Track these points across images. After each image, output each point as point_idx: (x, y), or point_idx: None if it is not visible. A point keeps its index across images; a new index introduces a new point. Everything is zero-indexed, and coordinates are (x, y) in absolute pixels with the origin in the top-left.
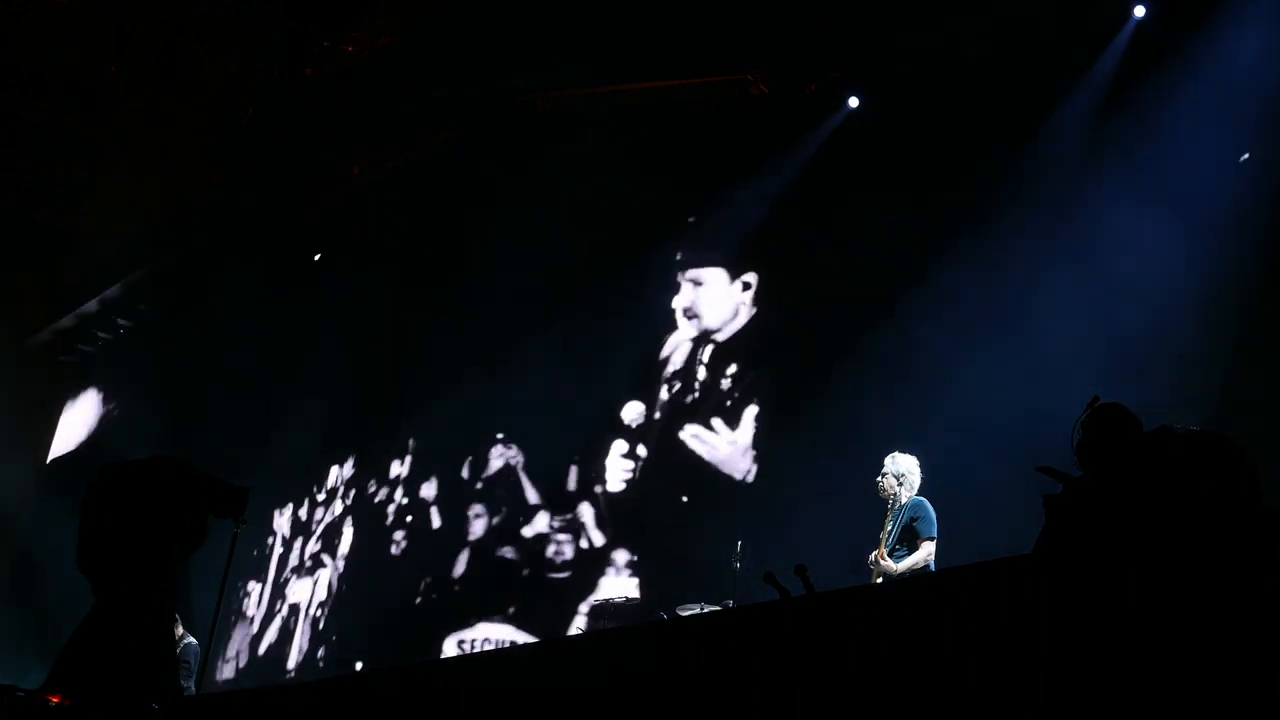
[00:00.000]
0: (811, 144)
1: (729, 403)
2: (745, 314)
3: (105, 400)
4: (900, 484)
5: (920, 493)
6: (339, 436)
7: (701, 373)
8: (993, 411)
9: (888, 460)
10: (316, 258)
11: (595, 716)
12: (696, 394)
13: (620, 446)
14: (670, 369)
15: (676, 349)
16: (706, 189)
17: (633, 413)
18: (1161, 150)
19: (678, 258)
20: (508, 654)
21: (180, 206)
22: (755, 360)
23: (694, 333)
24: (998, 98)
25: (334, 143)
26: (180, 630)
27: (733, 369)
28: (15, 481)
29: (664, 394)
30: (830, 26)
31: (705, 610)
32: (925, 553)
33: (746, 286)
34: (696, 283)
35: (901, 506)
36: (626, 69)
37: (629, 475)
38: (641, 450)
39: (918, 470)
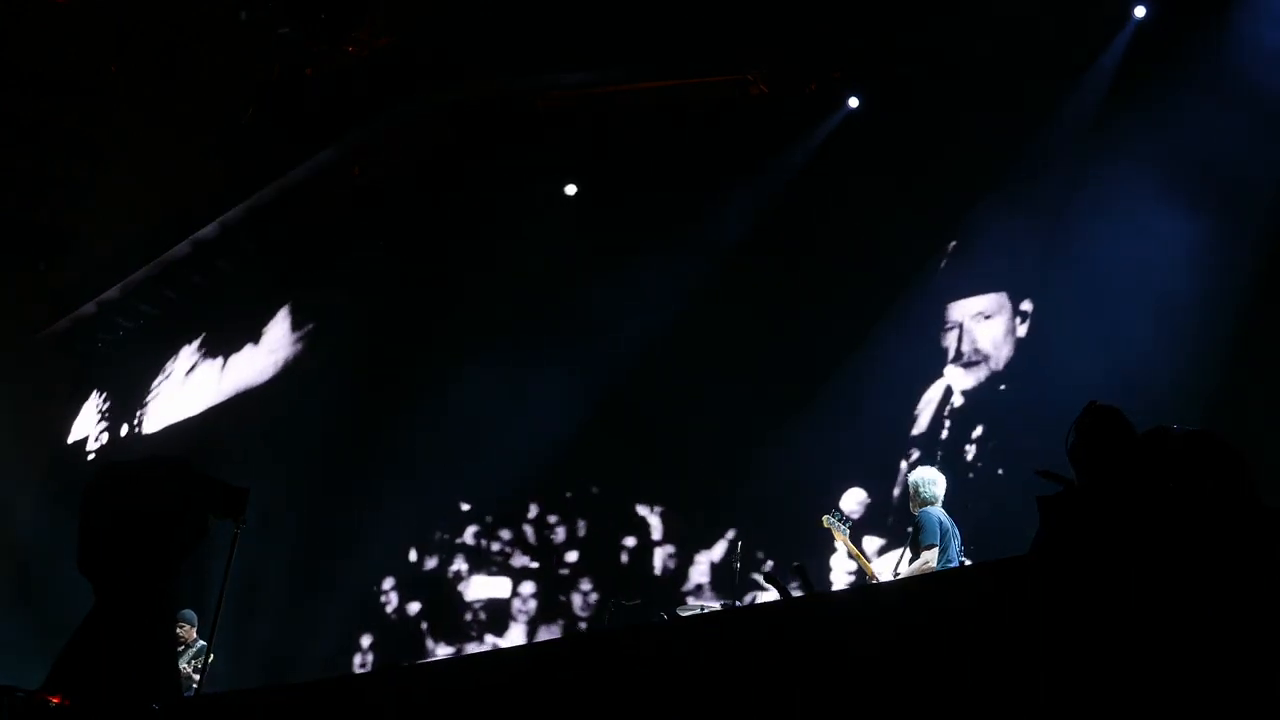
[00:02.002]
0: (811, 144)
1: (971, 475)
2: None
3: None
4: (917, 495)
5: (946, 503)
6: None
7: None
8: (995, 412)
9: (908, 476)
10: (569, 189)
11: (595, 717)
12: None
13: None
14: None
15: (926, 406)
16: (706, 189)
17: (853, 502)
18: (1161, 150)
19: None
20: (508, 654)
21: (180, 206)
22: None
23: (969, 382)
24: (998, 98)
25: (334, 143)
26: (194, 633)
27: (979, 430)
28: (15, 481)
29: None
30: (830, 26)
31: (705, 610)
32: (920, 562)
33: (1024, 317)
34: (984, 315)
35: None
36: (626, 69)
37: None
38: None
39: (930, 482)
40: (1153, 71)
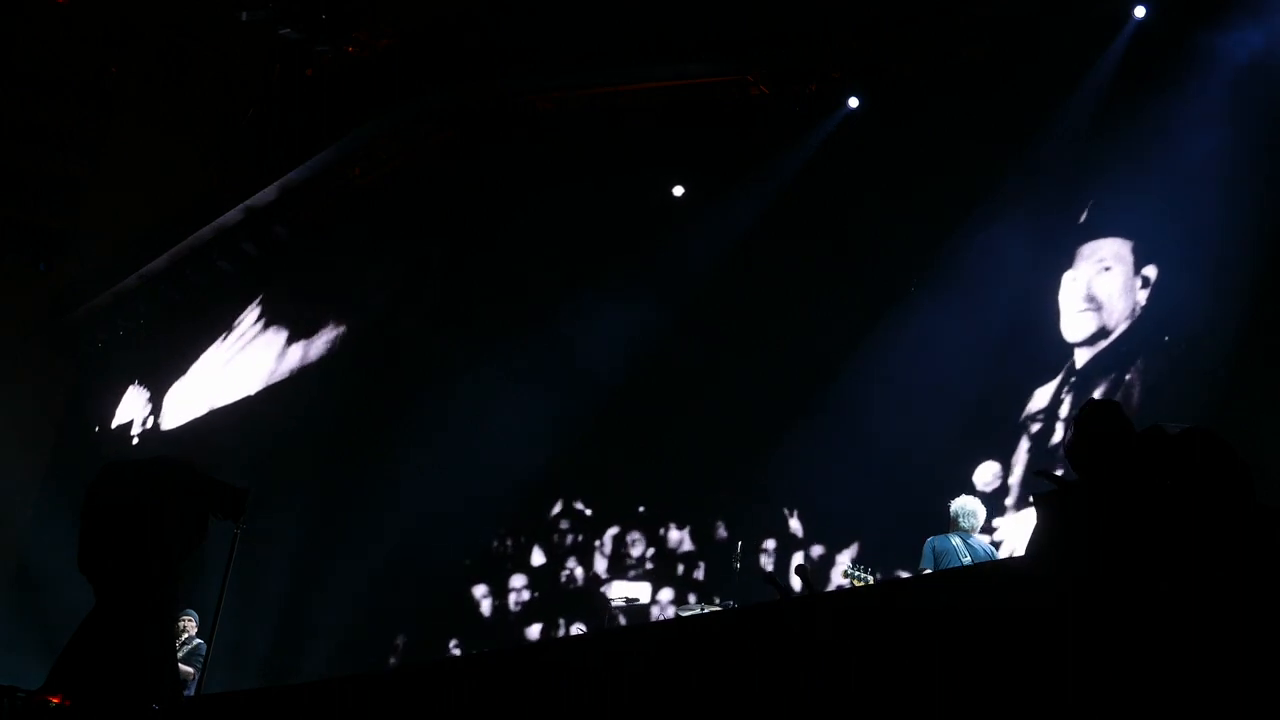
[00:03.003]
0: (811, 144)
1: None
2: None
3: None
4: (956, 522)
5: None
6: None
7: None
8: (998, 412)
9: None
10: (677, 191)
11: (596, 717)
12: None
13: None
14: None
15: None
16: (707, 189)
17: (987, 475)
18: (1161, 149)
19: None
20: (508, 654)
21: (180, 206)
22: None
23: (1088, 331)
24: (998, 98)
25: (334, 143)
26: (193, 630)
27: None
28: (15, 481)
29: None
30: (830, 26)
31: (706, 611)
32: None
33: (1146, 283)
34: (1104, 265)
35: None
36: (626, 69)
37: None
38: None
39: (971, 514)
40: (1153, 71)
